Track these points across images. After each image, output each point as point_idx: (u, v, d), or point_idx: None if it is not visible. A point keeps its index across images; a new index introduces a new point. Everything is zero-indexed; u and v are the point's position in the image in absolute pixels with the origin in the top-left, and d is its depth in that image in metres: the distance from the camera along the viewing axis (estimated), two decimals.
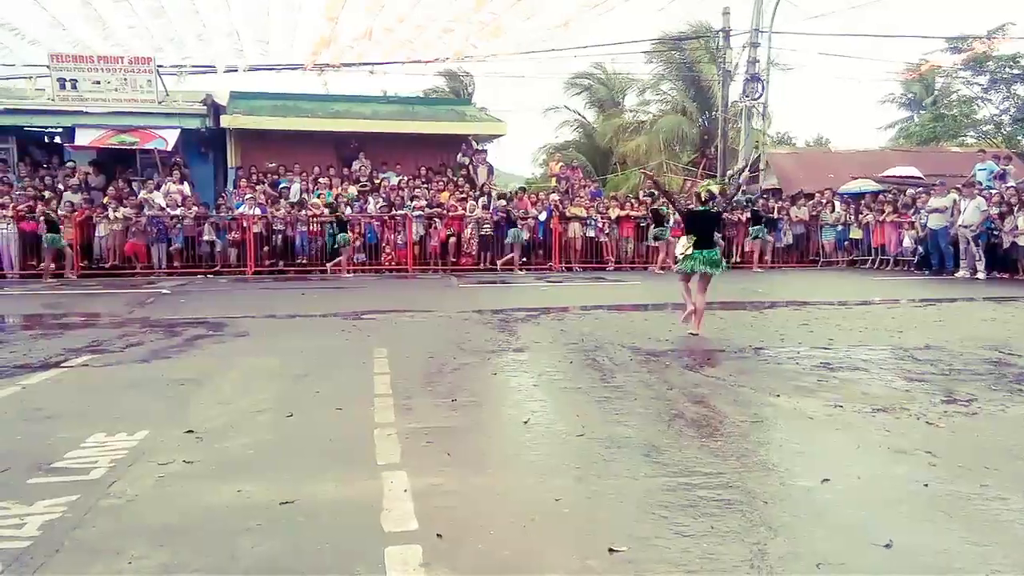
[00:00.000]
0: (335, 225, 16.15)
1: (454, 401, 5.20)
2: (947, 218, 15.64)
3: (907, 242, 17.10)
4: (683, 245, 8.03)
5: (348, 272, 16.10)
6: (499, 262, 16.94)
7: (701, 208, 8.11)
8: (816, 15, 45.38)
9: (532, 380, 5.97)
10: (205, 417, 4.78)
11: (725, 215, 17.68)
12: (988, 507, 3.34)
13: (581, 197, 18.91)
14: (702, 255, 7.84)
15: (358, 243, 16.85)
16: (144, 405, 5.15)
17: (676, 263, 8.43)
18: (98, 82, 18.05)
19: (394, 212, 17.02)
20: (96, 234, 15.96)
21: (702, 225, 7.99)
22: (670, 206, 9.51)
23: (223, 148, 19.65)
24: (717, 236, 15.93)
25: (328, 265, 16.20)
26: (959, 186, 16.16)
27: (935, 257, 16.00)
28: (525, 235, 17.10)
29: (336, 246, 16.11)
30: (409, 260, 16.70)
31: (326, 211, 16.85)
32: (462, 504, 3.39)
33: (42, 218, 14.91)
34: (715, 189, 8.49)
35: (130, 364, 6.60)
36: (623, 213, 17.73)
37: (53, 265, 15.04)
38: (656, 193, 14.40)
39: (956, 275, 15.18)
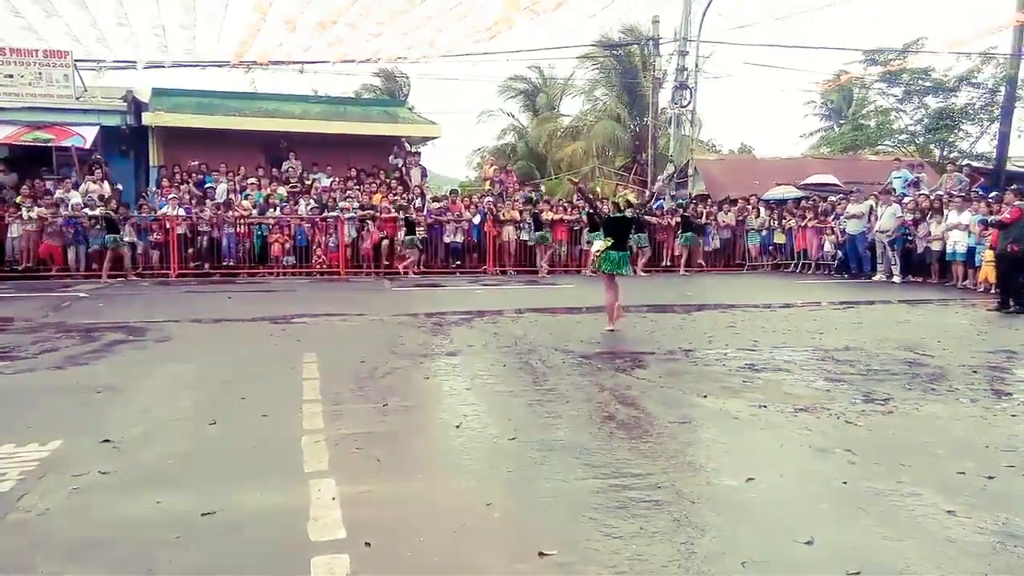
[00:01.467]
0: (404, 226, 16.24)
1: (385, 406, 5.13)
2: (864, 224, 16.27)
3: (827, 247, 17.72)
4: (597, 247, 8.84)
5: (412, 272, 16.08)
6: (543, 264, 17.00)
7: (618, 214, 8.78)
8: (741, 25, 46.86)
9: (465, 384, 5.94)
10: (123, 426, 4.59)
11: (654, 219, 18.13)
12: (903, 503, 3.47)
13: (515, 200, 18.96)
14: (615, 255, 8.54)
15: (289, 244, 16.52)
16: (58, 414, 4.93)
17: (592, 263, 9.35)
18: (11, 76, 17.18)
19: (326, 214, 16.74)
20: (8, 235, 15.19)
21: (617, 229, 8.67)
22: (594, 212, 10.50)
23: (145, 146, 18.97)
24: (642, 237, 16.39)
25: (399, 266, 16.23)
26: (876, 193, 16.83)
27: (853, 261, 16.62)
28: (548, 238, 17.18)
29: (401, 248, 16.24)
30: (341, 263, 16.42)
31: (254, 212, 16.48)
32: (392, 511, 3.35)
33: (102, 218, 14.84)
34: (631, 199, 9.31)
35: (43, 371, 6.30)
36: (556, 216, 17.86)
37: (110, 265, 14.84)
38: (583, 195, 14.86)
39: (873, 279, 15.80)
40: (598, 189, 17.15)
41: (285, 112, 20.16)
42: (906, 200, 16.32)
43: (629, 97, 29.15)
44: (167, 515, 3.26)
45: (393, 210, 17.01)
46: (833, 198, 18.66)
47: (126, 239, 15.09)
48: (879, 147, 28.94)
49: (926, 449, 4.30)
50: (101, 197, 15.62)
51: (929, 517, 3.30)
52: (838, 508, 3.42)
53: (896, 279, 15.35)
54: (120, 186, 16.87)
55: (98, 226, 14.96)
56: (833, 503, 3.47)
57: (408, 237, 16.13)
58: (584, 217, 17.24)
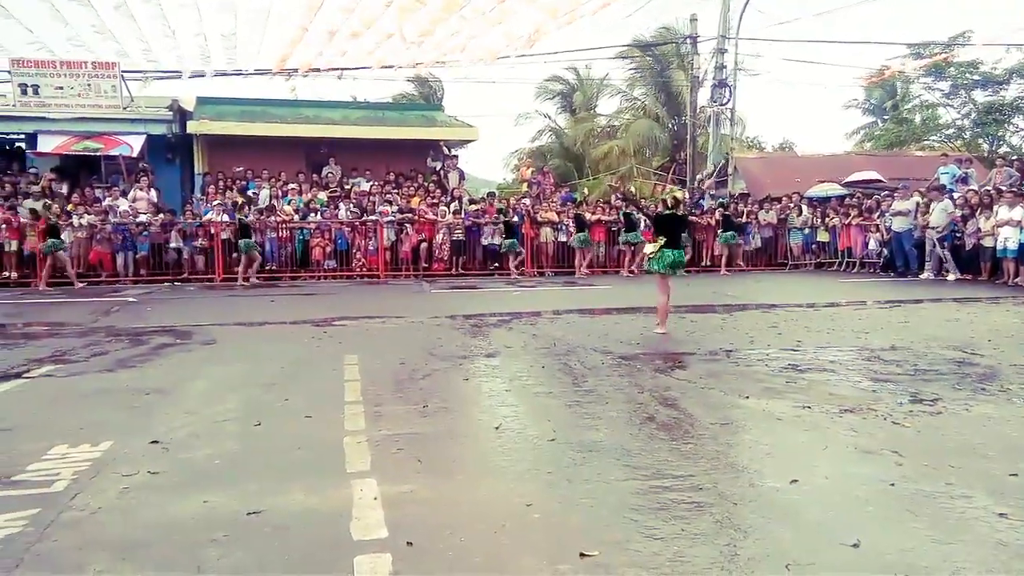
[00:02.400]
0: (504, 230, 16.79)
1: (425, 407, 5.17)
2: (910, 221, 15.91)
3: (872, 244, 17.36)
4: (650, 249, 8.66)
5: (522, 273, 16.56)
6: (580, 267, 17.04)
7: (668, 212, 8.59)
8: (782, 21, 46.22)
9: (504, 385, 5.95)
10: (170, 427, 4.70)
11: (694, 218, 17.96)
12: (953, 505, 3.38)
13: (553, 202, 18.95)
14: (669, 254, 8.38)
15: (329, 248, 16.75)
16: (108, 415, 5.06)
17: (646, 261, 9.12)
18: (61, 88, 17.75)
19: (365, 218, 16.93)
20: None
21: (669, 227, 8.49)
22: (639, 212, 10.61)
23: (190, 154, 19.40)
24: (684, 237, 16.29)
25: (511, 269, 16.66)
26: (922, 189, 16.45)
27: (900, 259, 16.26)
28: (590, 241, 17.21)
29: (503, 251, 16.76)
30: (380, 266, 16.60)
31: (295, 217, 16.75)
32: (433, 511, 3.37)
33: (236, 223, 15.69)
34: (680, 196, 9.18)
35: (94, 374, 6.48)
36: (594, 217, 17.80)
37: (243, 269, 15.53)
38: (627, 199, 14.87)
39: (921, 277, 15.44)
40: (632, 189, 17.08)
41: (325, 118, 20.45)
42: (955, 196, 15.93)
43: (667, 96, 28.96)
44: (214, 514, 3.33)
45: (429, 213, 17.13)
46: (878, 195, 18.28)
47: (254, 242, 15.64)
48: (925, 142, 28.33)
49: (976, 451, 4.18)
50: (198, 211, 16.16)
51: (980, 520, 3.22)
52: (885, 510, 3.34)
53: (951, 277, 14.93)
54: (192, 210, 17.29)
55: (156, 230, 15.41)
56: (880, 505, 3.40)
57: (508, 241, 16.49)
58: (622, 218, 17.19)
